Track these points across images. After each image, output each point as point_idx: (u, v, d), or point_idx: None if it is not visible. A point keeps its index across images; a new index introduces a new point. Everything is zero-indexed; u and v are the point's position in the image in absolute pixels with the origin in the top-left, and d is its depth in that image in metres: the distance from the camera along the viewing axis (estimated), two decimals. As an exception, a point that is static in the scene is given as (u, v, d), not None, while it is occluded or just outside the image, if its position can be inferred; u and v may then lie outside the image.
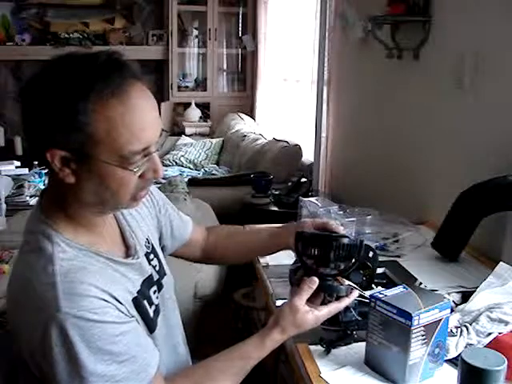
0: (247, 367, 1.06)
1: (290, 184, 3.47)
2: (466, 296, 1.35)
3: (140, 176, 0.95)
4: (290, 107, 4.40)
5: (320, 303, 1.10)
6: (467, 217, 1.60)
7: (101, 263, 0.96)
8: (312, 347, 1.17)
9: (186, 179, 3.69)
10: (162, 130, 0.97)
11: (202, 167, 4.55)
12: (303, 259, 1.13)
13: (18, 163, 3.81)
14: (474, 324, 1.17)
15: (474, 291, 1.31)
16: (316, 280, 1.08)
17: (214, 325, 2.55)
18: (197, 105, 5.19)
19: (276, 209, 3.32)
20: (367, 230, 1.80)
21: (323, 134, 3.19)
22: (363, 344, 1.12)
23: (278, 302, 1.37)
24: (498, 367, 0.92)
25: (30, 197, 3.10)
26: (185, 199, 2.50)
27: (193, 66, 5.43)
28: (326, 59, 3.08)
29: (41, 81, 0.91)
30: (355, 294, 1.11)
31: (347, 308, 1.13)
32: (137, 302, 1.01)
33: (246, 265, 1.67)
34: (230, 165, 4.51)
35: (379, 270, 1.48)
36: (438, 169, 2.05)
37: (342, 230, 1.20)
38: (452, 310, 1.20)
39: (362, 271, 1.15)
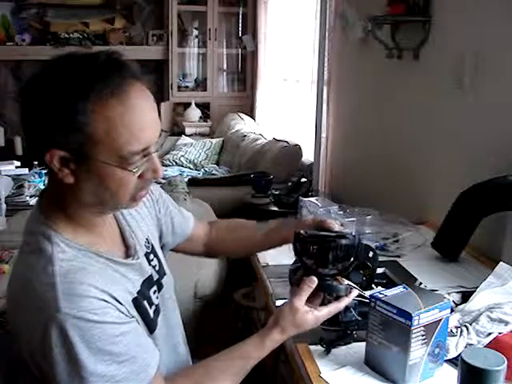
0: (247, 367, 1.06)
1: (289, 184, 3.46)
2: (465, 296, 1.35)
3: (139, 176, 0.95)
4: (289, 107, 4.39)
5: (320, 303, 1.10)
6: (467, 217, 1.60)
7: (100, 263, 0.96)
8: (312, 347, 1.17)
9: (186, 179, 3.69)
10: (162, 130, 0.97)
11: (202, 167, 4.55)
12: (303, 259, 1.13)
13: (18, 163, 3.80)
14: (474, 324, 1.17)
15: (474, 291, 1.31)
16: (315, 279, 1.08)
17: (214, 325, 2.55)
18: (197, 105, 5.19)
19: (276, 209, 3.31)
20: (367, 229, 1.80)
21: (323, 134, 3.19)
22: (363, 344, 1.13)
23: (278, 302, 1.37)
24: (498, 367, 0.92)
25: (30, 197, 3.09)
26: (185, 199, 2.50)
27: (193, 65, 5.43)
28: (326, 59, 3.07)
29: (40, 81, 0.91)
30: (354, 293, 1.11)
31: (347, 308, 1.13)
32: (137, 303, 1.01)
33: (246, 265, 1.67)
34: (230, 165, 4.50)
35: (379, 270, 1.48)
36: (437, 169, 2.05)
37: (337, 227, 1.19)
38: (452, 310, 1.20)
39: (361, 271, 1.15)
